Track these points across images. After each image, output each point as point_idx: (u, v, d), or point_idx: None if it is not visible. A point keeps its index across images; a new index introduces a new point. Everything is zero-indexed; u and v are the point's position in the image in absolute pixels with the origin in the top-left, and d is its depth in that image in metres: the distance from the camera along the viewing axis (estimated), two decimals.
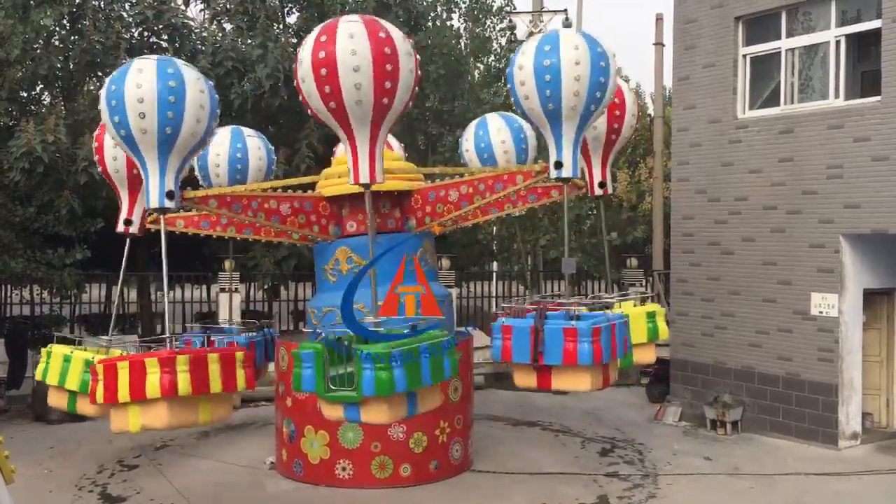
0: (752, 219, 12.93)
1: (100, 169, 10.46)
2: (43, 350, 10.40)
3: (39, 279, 14.81)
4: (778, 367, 12.57)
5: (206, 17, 19.23)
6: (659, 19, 21.60)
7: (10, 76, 14.85)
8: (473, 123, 12.22)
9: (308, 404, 10.27)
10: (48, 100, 17.69)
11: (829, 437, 11.93)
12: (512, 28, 22.93)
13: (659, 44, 21.49)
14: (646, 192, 25.85)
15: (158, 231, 10.83)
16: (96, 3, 17.37)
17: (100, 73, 17.34)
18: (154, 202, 8.60)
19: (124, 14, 17.60)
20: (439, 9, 21.85)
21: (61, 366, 9.98)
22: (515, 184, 9.98)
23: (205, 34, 18.22)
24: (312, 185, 11.47)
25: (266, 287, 19.26)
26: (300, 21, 19.94)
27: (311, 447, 10.30)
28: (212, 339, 10.43)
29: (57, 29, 16.60)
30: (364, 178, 8.39)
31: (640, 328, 10.67)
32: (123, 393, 8.16)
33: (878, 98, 11.50)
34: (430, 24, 20.81)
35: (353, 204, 10.81)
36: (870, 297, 12.30)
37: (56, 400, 10.33)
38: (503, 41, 23.06)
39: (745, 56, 13.26)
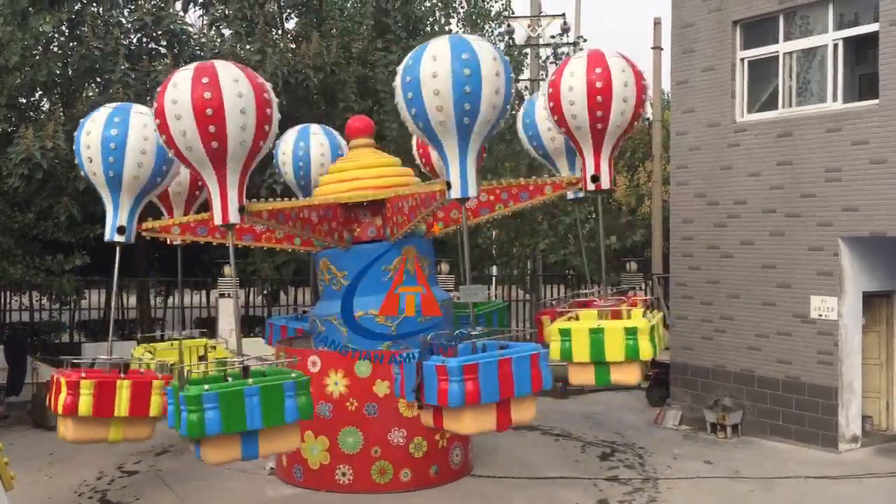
0: (751, 222, 12.94)
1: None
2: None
3: (39, 285, 14.82)
4: (778, 370, 12.57)
5: (205, 22, 19.24)
6: (657, 23, 21.66)
7: (9, 83, 14.86)
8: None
9: None
10: (47, 106, 17.70)
11: (829, 441, 11.93)
12: (510, 33, 22.94)
13: (657, 48, 21.55)
14: (645, 196, 25.89)
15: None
16: (95, 9, 17.37)
17: (99, 80, 17.36)
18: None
19: (123, 20, 17.61)
20: (438, 14, 21.86)
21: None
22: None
23: (203, 40, 18.23)
24: None
25: (265, 292, 19.27)
26: (299, 26, 19.97)
27: (311, 452, 10.29)
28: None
29: (56, 35, 16.61)
30: (218, 220, 8.37)
31: (615, 345, 9.51)
32: (55, 405, 9.24)
33: (876, 101, 11.52)
34: (428, 29, 20.83)
35: (349, 212, 10.86)
36: (869, 299, 12.30)
37: None
38: (502, 46, 23.07)
39: (743, 60, 13.28)
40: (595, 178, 9.88)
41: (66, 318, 18.37)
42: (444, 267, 16.68)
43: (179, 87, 7.91)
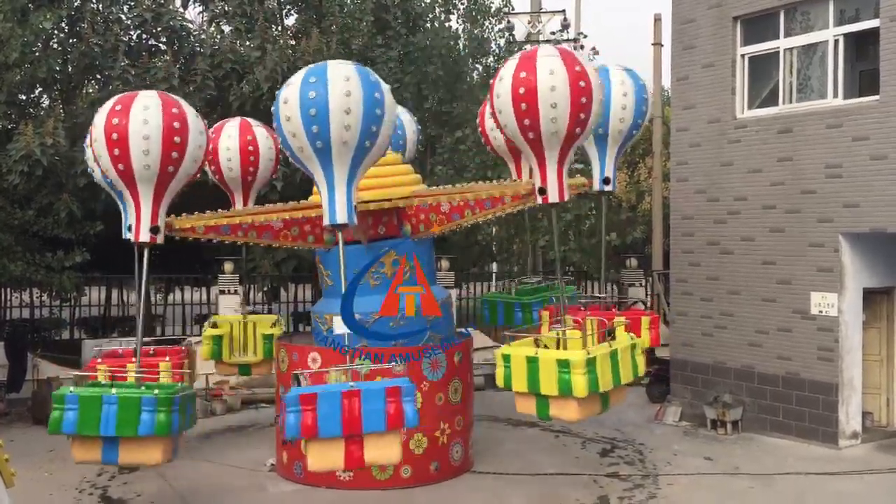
0: (752, 218, 12.93)
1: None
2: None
3: (39, 282, 14.80)
4: (778, 366, 12.57)
5: (205, 19, 19.24)
6: (657, 20, 21.62)
7: (9, 79, 14.86)
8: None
9: None
10: (47, 103, 17.69)
11: (829, 437, 11.93)
12: (510, 29, 22.92)
13: (657, 44, 21.50)
14: (645, 193, 25.87)
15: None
16: (95, 5, 17.37)
17: (98, 76, 17.35)
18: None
19: (123, 17, 17.61)
20: (437, 10, 21.85)
21: None
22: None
23: (203, 36, 18.23)
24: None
25: (266, 289, 19.27)
26: (298, 23, 19.96)
27: None
28: None
29: (56, 32, 16.60)
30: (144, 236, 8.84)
31: (549, 378, 8.79)
32: None
33: (877, 97, 11.50)
34: (428, 25, 20.82)
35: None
36: (869, 296, 12.30)
37: None
38: (502, 42, 23.05)
39: (743, 56, 13.26)
40: (542, 191, 8.96)
41: (67, 315, 18.37)
42: (444, 264, 16.70)
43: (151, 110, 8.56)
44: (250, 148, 11.36)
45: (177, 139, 8.48)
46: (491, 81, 9.05)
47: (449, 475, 10.55)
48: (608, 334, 9.60)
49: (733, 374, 13.17)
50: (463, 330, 12.24)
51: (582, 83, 8.51)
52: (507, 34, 22.71)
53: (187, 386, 9.29)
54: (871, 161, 11.47)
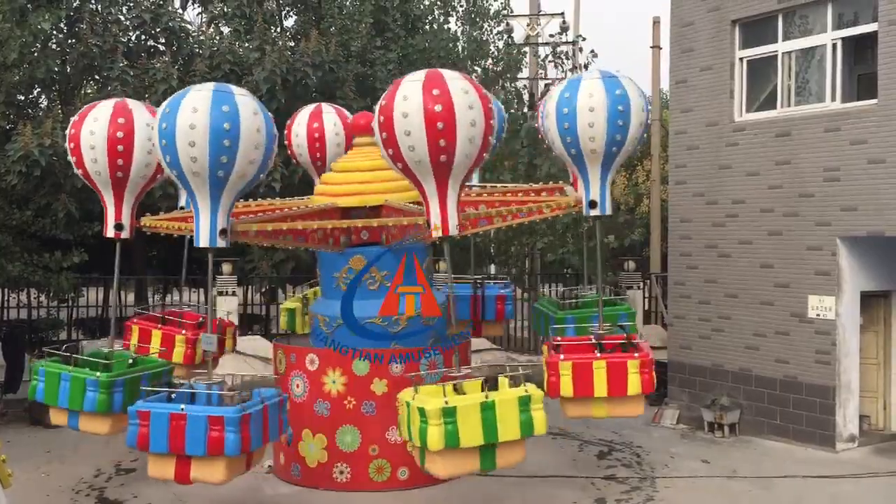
0: (750, 221, 12.94)
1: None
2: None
3: (37, 283, 14.79)
4: (775, 369, 12.58)
5: (204, 20, 19.24)
6: (656, 23, 21.65)
7: (8, 80, 14.85)
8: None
9: (305, 408, 10.28)
10: (45, 103, 17.69)
11: (826, 440, 11.94)
12: (509, 31, 22.95)
13: (656, 47, 21.53)
14: (643, 195, 25.87)
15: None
16: (94, 6, 17.36)
17: (97, 77, 17.35)
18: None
19: (122, 17, 17.61)
20: (437, 12, 21.87)
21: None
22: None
23: (202, 37, 18.22)
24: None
25: (264, 290, 19.26)
26: (297, 24, 19.97)
27: (308, 450, 10.29)
28: None
29: (54, 32, 16.59)
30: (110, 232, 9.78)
31: (510, 419, 8.25)
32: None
33: (875, 101, 11.52)
34: (427, 27, 20.83)
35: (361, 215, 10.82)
36: (867, 299, 12.31)
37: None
38: (501, 45, 23.07)
39: (741, 59, 13.28)
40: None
41: (64, 316, 18.35)
42: (443, 265, 16.70)
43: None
44: (316, 135, 11.92)
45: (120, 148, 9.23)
46: (383, 104, 8.36)
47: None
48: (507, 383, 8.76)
49: (731, 376, 13.17)
50: (461, 331, 12.24)
51: (438, 107, 7.95)
52: (506, 37, 22.74)
53: (154, 364, 9.97)
54: (869, 165, 11.49)
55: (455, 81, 8.11)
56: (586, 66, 22.62)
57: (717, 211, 13.41)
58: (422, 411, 7.98)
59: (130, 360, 9.88)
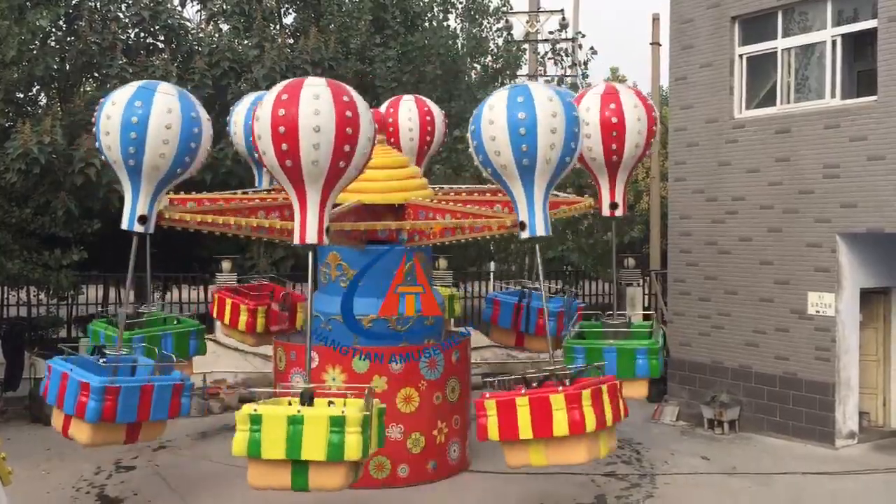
0: (749, 218, 12.94)
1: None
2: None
3: (36, 280, 14.75)
4: (775, 366, 12.59)
5: (203, 17, 19.21)
6: (656, 19, 21.62)
7: (7, 77, 14.82)
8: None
9: None
10: (44, 101, 17.65)
11: (826, 437, 11.95)
12: (509, 28, 22.92)
13: (656, 44, 21.50)
14: (643, 192, 25.86)
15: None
16: (93, 3, 17.33)
17: (96, 74, 17.31)
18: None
19: (121, 15, 17.57)
20: (436, 9, 21.82)
21: None
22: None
23: (201, 35, 18.20)
24: None
25: None
26: (297, 21, 19.94)
27: None
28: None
29: (53, 30, 16.56)
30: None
31: (318, 438, 7.67)
32: None
33: (875, 98, 11.52)
34: (426, 24, 20.79)
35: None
36: (866, 296, 12.32)
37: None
38: (500, 41, 23.05)
39: (741, 56, 13.28)
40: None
41: (64, 314, 18.33)
42: (442, 263, 16.70)
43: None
44: (428, 118, 12.35)
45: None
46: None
47: (446, 474, 10.56)
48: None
49: (730, 373, 13.18)
50: (462, 330, 12.24)
51: (348, 114, 7.92)
52: (505, 33, 22.71)
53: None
54: (868, 161, 11.49)
55: (309, 89, 7.91)
56: (586, 63, 22.64)
57: (716, 208, 13.40)
58: (340, 420, 7.70)
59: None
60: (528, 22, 21.78)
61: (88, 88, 17.96)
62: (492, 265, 22.12)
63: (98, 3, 17.43)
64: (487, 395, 8.49)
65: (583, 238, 19.69)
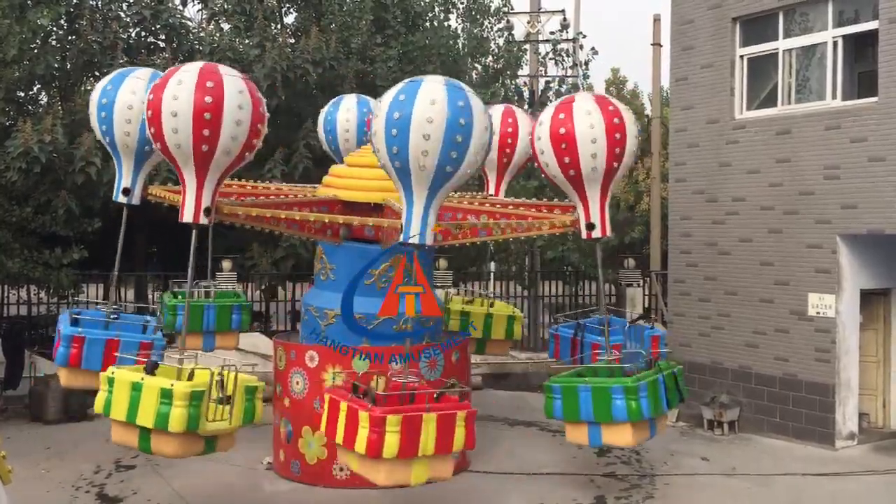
0: (750, 219, 12.94)
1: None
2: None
3: (37, 279, 14.78)
4: (775, 367, 12.58)
5: (204, 16, 19.23)
6: (656, 20, 21.65)
7: (7, 76, 14.83)
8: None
9: (305, 405, 10.29)
10: (45, 100, 17.67)
11: (825, 438, 11.94)
12: (509, 29, 22.90)
13: (656, 44, 21.54)
14: (643, 193, 25.88)
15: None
16: (94, 2, 17.35)
17: (97, 73, 17.32)
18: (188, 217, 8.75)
19: (122, 14, 17.59)
20: (437, 9, 21.84)
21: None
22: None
23: (202, 34, 18.21)
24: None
25: (263, 287, 19.25)
26: (298, 21, 19.96)
27: (308, 447, 10.29)
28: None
29: (54, 29, 16.58)
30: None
31: (149, 406, 8.14)
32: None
33: (875, 99, 11.52)
34: (427, 24, 20.81)
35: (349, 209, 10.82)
36: (867, 297, 12.32)
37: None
38: (501, 42, 23.05)
39: (742, 57, 13.27)
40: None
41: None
42: (442, 263, 16.69)
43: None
44: (510, 130, 11.92)
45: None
46: (150, 98, 8.47)
47: None
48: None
49: (730, 374, 13.18)
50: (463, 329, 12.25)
51: (262, 109, 8.57)
52: (506, 34, 22.70)
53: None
54: (869, 162, 11.48)
55: (229, 78, 8.32)
56: (587, 64, 22.63)
57: (717, 209, 13.40)
58: (168, 392, 8.15)
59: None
60: (528, 22, 21.74)
61: (89, 87, 17.97)
62: (492, 265, 22.14)
63: (99, 2, 17.45)
64: (368, 409, 8.07)
65: (583, 238, 19.69)
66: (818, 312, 12.07)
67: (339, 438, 8.31)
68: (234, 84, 8.33)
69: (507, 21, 22.58)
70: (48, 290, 15.81)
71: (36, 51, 15.53)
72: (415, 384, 8.60)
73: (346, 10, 19.09)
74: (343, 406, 8.27)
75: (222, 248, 16.59)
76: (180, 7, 18.43)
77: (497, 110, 11.91)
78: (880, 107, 11.39)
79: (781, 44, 12.78)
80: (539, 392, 12.39)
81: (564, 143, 9.08)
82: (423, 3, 20.75)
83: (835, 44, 12.12)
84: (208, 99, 8.11)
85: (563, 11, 21.49)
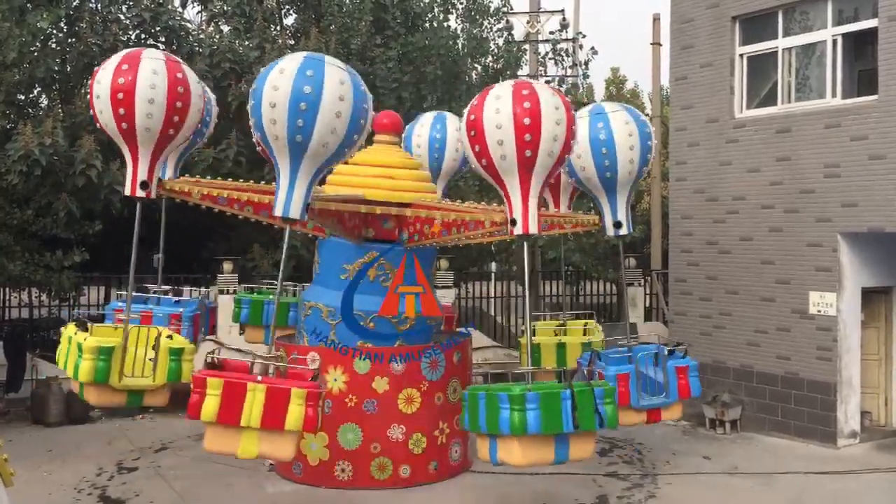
0: (750, 218, 12.94)
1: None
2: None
3: (38, 282, 14.77)
4: (776, 366, 12.58)
5: (204, 18, 19.22)
6: (656, 19, 21.64)
7: (7, 79, 14.83)
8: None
9: None
10: (45, 103, 17.66)
11: (827, 436, 11.94)
12: (509, 29, 22.89)
13: (656, 44, 21.54)
14: (644, 192, 25.88)
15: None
16: (93, 5, 17.34)
17: None
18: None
19: (121, 16, 17.57)
20: (436, 10, 21.83)
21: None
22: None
23: (202, 36, 18.20)
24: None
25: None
26: (297, 22, 19.95)
27: (310, 448, 10.29)
28: None
29: (54, 31, 16.56)
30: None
31: (71, 359, 9.18)
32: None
33: (875, 97, 11.52)
34: (427, 25, 20.80)
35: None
36: (868, 295, 12.32)
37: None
38: (501, 42, 23.04)
39: (742, 55, 13.28)
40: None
41: (66, 315, 18.35)
42: (443, 263, 16.70)
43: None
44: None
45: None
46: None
47: (448, 474, 10.56)
48: None
49: (732, 373, 13.18)
50: (462, 329, 12.24)
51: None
52: (506, 34, 22.69)
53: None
54: (869, 161, 11.48)
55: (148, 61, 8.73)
56: (586, 64, 22.62)
57: (717, 207, 13.40)
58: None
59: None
60: (528, 22, 21.74)
61: (89, 90, 17.97)
62: (493, 265, 22.14)
63: (99, 5, 17.44)
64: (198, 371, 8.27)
65: (584, 238, 19.68)
66: (819, 311, 12.06)
67: (255, 420, 8.02)
68: (149, 66, 8.69)
69: (507, 21, 22.57)
70: (49, 292, 15.81)
71: (36, 54, 15.52)
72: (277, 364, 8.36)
73: (345, 12, 19.08)
74: (259, 388, 8.02)
75: (223, 249, 16.62)
76: (180, 9, 18.42)
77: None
78: (880, 105, 11.39)
79: (781, 42, 12.78)
80: None
81: (474, 131, 8.46)
82: (422, 4, 20.74)
83: (834, 42, 12.12)
84: (121, 80, 8.62)
85: (562, 11, 21.49)
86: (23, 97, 16.68)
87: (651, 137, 10.14)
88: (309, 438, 10.24)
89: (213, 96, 11.51)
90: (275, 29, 19.00)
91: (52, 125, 14.21)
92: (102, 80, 8.79)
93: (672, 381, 10.24)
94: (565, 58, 22.61)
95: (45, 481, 10.59)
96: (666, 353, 10.35)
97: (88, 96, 9.47)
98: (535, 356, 11.30)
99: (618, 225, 10.28)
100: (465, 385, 10.85)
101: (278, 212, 8.47)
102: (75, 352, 9.00)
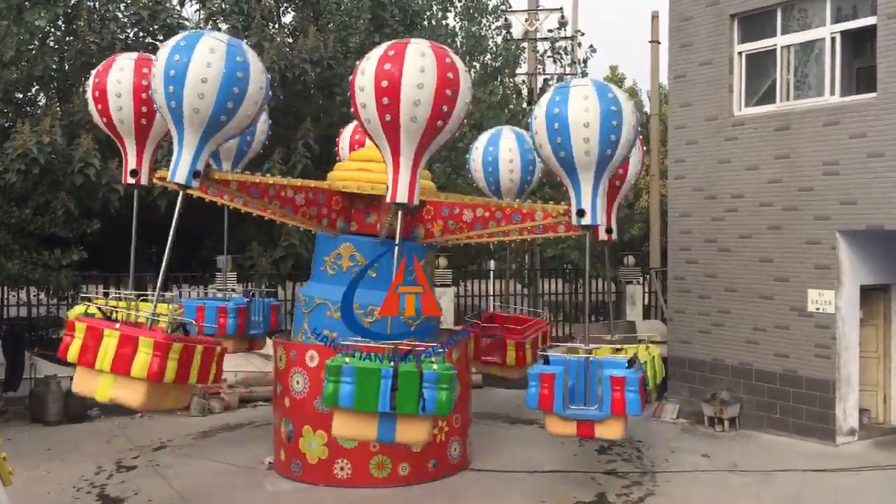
0: (749, 216, 12.95)
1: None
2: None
3: (36, 280, 14.77)
4: (775, 363, 12.59)
5: (202, 16, 19.20)
6: (655, 17, 21.64)
7: (5, 77, 14.82)
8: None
9: (306, 404, 10.29)
10: (43, 101, 17.65)
11: (826, 434, 11.95)
12: (508, 27, 22.93)
13: (655, 42, 21.53)
14: (643, 190, 25.89)
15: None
16: (91, 3, 17.33)
17: None
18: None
19: (119, 14, 17.56)
20: (435, 8, 21.83)
21: None
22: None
23: None
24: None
25: (263, 287, 19.24)
26: (296, 20, 19.94)
27: (309, 447, 10.29)
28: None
29: (52, 30, 16.56)
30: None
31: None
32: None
33: (874, 94, 11.52)
34: (425, 23, 20.80)
35: (365, 202, 10.81)
36: (866, 293, 12.32)
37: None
38: (499, 40, 23.06)
39: (740, 53, 13.28)
40: (581, 213, 9.18)
41: (64, 314, 18.34)
42: (442, 261, 16.71)
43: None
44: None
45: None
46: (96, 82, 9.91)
47: (447, 473, 10.55)
48: None
49: (731, 371, 13.19)
50: (462, 329, 12.22)
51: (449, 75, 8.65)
52: (504, 32, 22.72)
53: None
54: (868, 158, 11.48)
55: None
56: (585, 61, 22.65)
57: (716, 205, 13.41)
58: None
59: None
60: (527, 20, 21.78)
61: (87, 88, 17.96)
62: (492, 263, 22.15)
63: (97, 3, 17.43)
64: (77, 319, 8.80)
65: (583, 235, 19.69)
66: (818, 308, 12.07)
67: (105, 364, 8.52)
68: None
69: (506, 19, 22.61)
70: (48, 291, 15.80)
71: (34, 52, 15.51)
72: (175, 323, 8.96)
73: (343, 10, 19.07)
74: (113, 333, 8.53)
75: (221, 247, 16.59)
76: (178, 7, 18.40)
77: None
78: (879, 102, 11.39)
79: (780, 40, 12.78)
80: None
81: (386, 81, 8.47)
82: (421, 2, 20.75)
83: (833, 40, 12.12)
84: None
85: (560, 9, 21.54)
86: (21, 95, 16.68)
87: (620, 117, 8.82)
88: (308, 437, 10.25)
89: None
90: (273, 27, 18.98)
91: (51, 123, 14.20)
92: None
93: (606, 393, 9.05)
94: (564, 56, 22.63)
95: (44, 480, 10.59)
96: (601, 361, 9.24)
97: (89, 94, 9.84)
98: None
99: (580, 213, 9.11)
100: (464, 384, 10.87)
101: (170, 177, 8.76)
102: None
